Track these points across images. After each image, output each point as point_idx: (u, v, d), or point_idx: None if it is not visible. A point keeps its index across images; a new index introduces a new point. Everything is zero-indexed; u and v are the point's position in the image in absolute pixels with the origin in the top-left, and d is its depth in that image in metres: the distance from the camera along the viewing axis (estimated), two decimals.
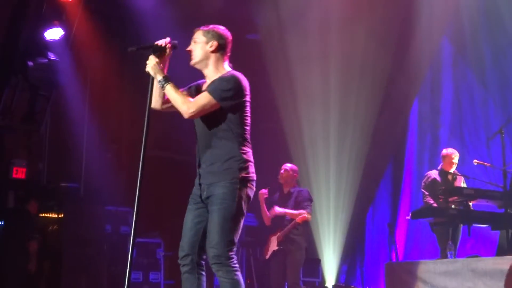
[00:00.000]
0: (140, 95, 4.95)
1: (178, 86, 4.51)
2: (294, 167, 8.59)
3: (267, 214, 8.42)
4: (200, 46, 4.60)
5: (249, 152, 4.58)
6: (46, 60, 9.57)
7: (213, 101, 4.41)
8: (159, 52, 4.51)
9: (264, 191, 8.34)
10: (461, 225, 8.44)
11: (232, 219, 4.40)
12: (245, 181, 4.47)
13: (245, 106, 4.57)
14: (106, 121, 10.08)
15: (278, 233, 8.27)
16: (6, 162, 9.83)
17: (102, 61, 9.98)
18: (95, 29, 9.89)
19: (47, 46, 9.56)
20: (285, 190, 8.48)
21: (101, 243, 9.41)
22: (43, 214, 9.44)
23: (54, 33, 9.49)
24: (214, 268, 4.39)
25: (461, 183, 8.87)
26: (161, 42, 4.54)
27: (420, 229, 10.40)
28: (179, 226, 4.62)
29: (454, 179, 8.80)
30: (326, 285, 9.91)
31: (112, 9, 10.10)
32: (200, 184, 4.56)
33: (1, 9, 9.24)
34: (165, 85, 4.45)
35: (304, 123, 10.91)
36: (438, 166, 9.09)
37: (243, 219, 4.51)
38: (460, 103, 11.02)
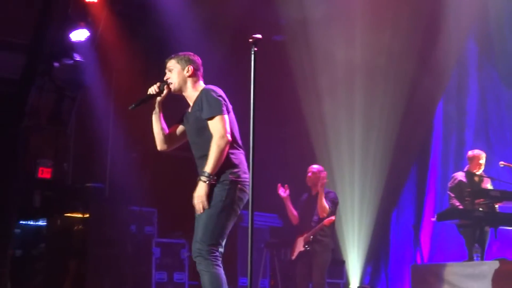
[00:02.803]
0: None
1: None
2: (321, 168, 8.58)
3: (293, 213, 8.41)
4: (177, 73, 4.98)
5: (240, 157, 4.86)
6: (72, 61, 9.65)
7: (222, 116, 4.73)
8: (155, 97, 4.94)
9: (282, 189, 8.31)
10: (488, 227, 8.37)
11: (217, 216, 4.67)
12: (235, 183, 4.74)
13: (228, 112, 4.84)
14: (131, 122, 10.11)
15: (305, 234, 8.26)
16: (32, 162, 9.91)
17: (127, 62, 10.01)
18: (120, 30, 9.92)
19: (73, 47, 9.63)
20: (313, 191, 8.46)
21: (126, 243, 9.44)
22: (68, 214, 9.49)
23: (79, 35, 9.54)
24: (196, 261, 4.67)
25: (488, 185, 8.79)
26: (152, 90, 4.93)
27: (445, 231, 10.33)
28: None
29: (481, 180, 8.72)
30: (351, 286, 9.87)
31: (137, 10, 10.13)
32: None
33: (27, 12, 9.30)
34: (210, 176, 4.67)
35: (329, 125, 10.87)
36: (463, 167, 9.03)
37: (233, 219, 4.78)
38: (485, 104, 10.94)
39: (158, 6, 9.83)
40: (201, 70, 5.06)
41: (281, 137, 11.18)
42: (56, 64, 9.52)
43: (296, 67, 10.92)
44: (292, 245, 8.51)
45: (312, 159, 9.96)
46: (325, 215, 8.14)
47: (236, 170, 4.76)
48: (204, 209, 4.68)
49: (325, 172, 8.43)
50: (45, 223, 9.63)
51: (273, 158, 10.66)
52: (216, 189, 4.70)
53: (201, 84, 5.01)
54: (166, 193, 10.01)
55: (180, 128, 5.04)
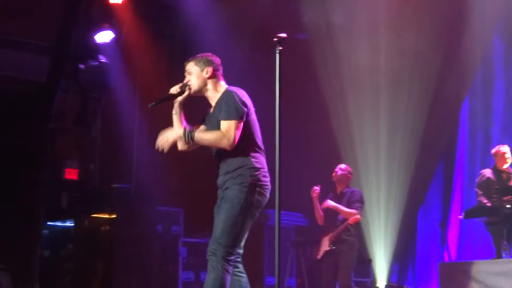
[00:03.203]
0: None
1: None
2: (349, 168, 8.62)
3: (320, 213, 8.41)
4: (196, 75, 4.96)
5: (261, 160, 4.86)
6: (97, 63, 9.72)
7: (236, 122, 4.72)
8: (176, 97, 4.94)
9: (316, 188, 8.35)
10: None
11: (235, 218, 4.66)
12: (254, 186, 4.73)
13: (249, 115, 4.84)
14: (156, 122, 10.12)
15: (330, 234, 8.25)
16: (59, 163, 9.99)
17: (151, 63, 10.05)
18: (144, 31, 9.96)
19: (98, 49, 9.69)
20: (338, 190, 8.48)
21: (152, 243, 9.47)
22: (95, 215, 9.55)
23: (104, 36, 9.60)
24: (208, 260, 4.65)
25: None
26: (173, 90, 4.95)
27: (473, 229, 10.25)
28: None
29: (509, 178, 8.64)
30: (377, 285, 9.83)
31: (161, 11, 10.17)
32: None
33: (52, 14, 9.37)
34: (192, 136, 4.79)
35: (354, 124, 10.84)
36: (490, 164, 8.95)
37: (250, 222, 4.78)
38: None
39: (182, 7, 9.86)
40: (221, 70, 5.05)
41: (306, 136, 11.16)
42: (81, 66, 9.59)
43: (320, 65, 10.89)
44: (317, 244, 8.50)
45: (337, 158, 9.94)
46: (358, 217, 8.14)
47: (256, 173, 4.76)
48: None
49: (351, 172, 8.49)
50: (72, 224, 9.71)
51: (298, 157, 10.64)
52: (235, 191, 4.71)
53: (223, 85, 5.01)
54: (192, 193, 10.03)
55: (202, 128, 5.02)
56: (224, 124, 4.72)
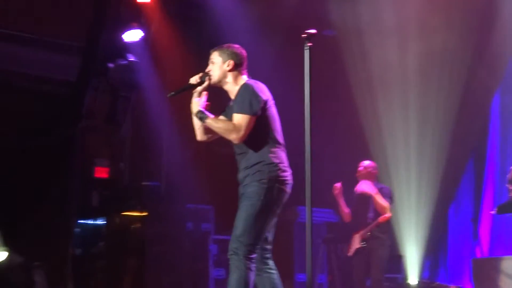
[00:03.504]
0: None
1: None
2: (373, 163, 8.56)
3: (344, 210, 8.39)
4: (218, 66, 4.90)
5: (280, 155, 4.78)
6: (126, 62, 9.76)
7: (248, 117, 4.65)
8: (195, 87, 4.85)
9: (338, 185, 8.32)
10: None
11: (255, 216, 4.60)
12: (274, 182, 4.66)
13: (267, 109, 4.77)
14: (185, 120, 10.16)
15: (361, 231, 8.22)
16: (90, 162, 10.06)
17: (180, 61, 10.08)
18: (173, 30, 10.00)
19: (127, 48, 9.74)
20: None
21: (183, 241, 9.50)
22: (126, 213, 9.61)
23: (133, 35, 9.65)
24: (230, 259, 4.59)
25: None
26: (193, 79, 4.87)
27: (505, 224, 10.16)
28: None
29: None
30: (409, 281, 9.78)
31: (190, 9, 10.19)
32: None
33: (81, 14, 9.44)
34: (204, 118, 4.74)
35: (383, 120, 10.79)
36: None
37: (271, 219, 4.71)
38: None
39: (210, 5, 9.87)
40: (245, 64, 4.96)
41: (335, 132, 11.13)
42: (110, 65, 9.64)
43: (347, 61, 10.85)
44: (349, 241, 8.48)
45: (366, 154, 9.91)
46: (387, 212, 8.12)
47: (275, 168, 4.69)
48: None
49: (375, 168, 8.45)
50: (103, 222, 9.76)
51: (327, 153, 10.62)
52: (254, 188, 4.65)
53: (243, 79, 4.92)
54: (222, 190, 10.04)
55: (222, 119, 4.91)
56: (236, 117, 4.66)
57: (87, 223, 9.94)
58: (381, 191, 8.32)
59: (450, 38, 10.21)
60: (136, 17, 9.70)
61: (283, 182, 4.71)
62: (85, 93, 9.42)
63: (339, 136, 11.17)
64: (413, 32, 10.40)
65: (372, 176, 8.50)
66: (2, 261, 6.88)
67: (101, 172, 10.10)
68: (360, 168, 8.51)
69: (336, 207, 8.71)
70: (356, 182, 8.55)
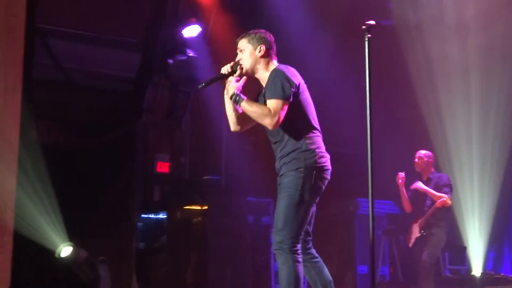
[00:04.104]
0: None
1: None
2: (429, 153, 8.53)
3: (406, 200, 8.34)
4: (249, 53, 4.75)
5: (316, 141, 4.61)
6: (185, 57, 9.85)
7: (282, 101, 4.47)
8: (227, 77, 4.70)
9: (401, 174, 8.28)
10: None
11: (295, 207, 4.44)
12: (311, 170, 4.49)
13: (300, 94, 4.59)
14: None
15: (419, 220, 8.16)
16: (151, 157, 10.18)
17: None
18: (231, 24, 10.03)
19: (185, 43, 9.81)
20: (424, 177, 8.40)
21: (244, 234, 9.53)
22: (187, 207, 9.69)
23: (191, 31, 9.72)
24: (276, 254, 4.47)
25: None
26: (224, 69, 4.71)
27: None
28: None
29: None
30: (473, 273, 9.63)
31: (247, 3, 10.21)
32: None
33: (140, 11, 9.55)
34: (239, 101, 4.58)
35: (444, 110, 10.64)
36: None
37: (312, 208, 4.56)
38: None
39: None
40: (274, 48, 4.81)
41: (396, 123, 11.04)
42: (170, 61, 9.73)
43: (408, 52, 10.72)
44: (409, 232, 8.42)
45: (427, 144, 9.80)
46: (445, 199, 8.04)
47: (312, 155, 4.51)
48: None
49: (431, 157, 8.36)
50: (165, 216, 9.86)
51: (388, 145, 10.54)
52: (291, 178, 4.49)
53: (274, 64, 4.76)
54: None
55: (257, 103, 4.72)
56: (271, 103, 4.48)
57: (149, 217, 10.07)
58: (440, 179, 8.26)
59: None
60: (194, 12, 9.77)
61: (321, 168, 4.55)
62: (146, 89, 9.53)
63: (400, 126, 11.07)
64: (474, 23, 10.22)
65: (429, 165, 8.45)
66: (68, 256, 7.01)
67: (162, 167, 10.21)
68: (415, 160, 8.45)
69: (397, 198, 8.66)
70: (415, 173, 8.48)
